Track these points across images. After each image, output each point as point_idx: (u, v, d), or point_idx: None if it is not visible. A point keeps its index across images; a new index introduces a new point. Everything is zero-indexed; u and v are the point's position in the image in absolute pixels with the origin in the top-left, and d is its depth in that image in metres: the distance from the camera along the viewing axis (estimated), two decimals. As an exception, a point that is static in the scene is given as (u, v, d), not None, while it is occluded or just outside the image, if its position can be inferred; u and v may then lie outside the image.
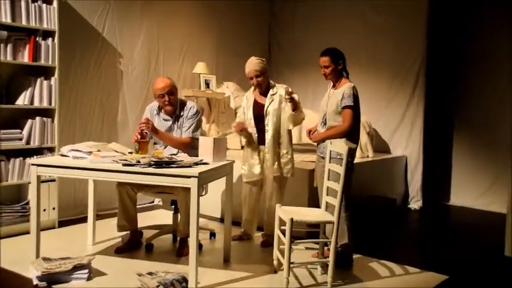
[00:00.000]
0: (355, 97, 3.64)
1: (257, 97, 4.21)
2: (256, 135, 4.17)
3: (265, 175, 4.17)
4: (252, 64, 4.09)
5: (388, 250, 4.30)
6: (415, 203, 6.10)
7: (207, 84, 5.92)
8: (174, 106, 3.96)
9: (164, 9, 5.67)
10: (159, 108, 4.05)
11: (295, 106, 3.92)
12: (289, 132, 4.17)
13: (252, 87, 4.25)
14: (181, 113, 4.00)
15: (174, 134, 3.99)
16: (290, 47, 7.11)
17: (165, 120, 4.02)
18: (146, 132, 3.80)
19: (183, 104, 4.05)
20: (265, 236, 4.27)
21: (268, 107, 4.09)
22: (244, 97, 4.37)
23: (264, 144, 4.13)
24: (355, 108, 3.62)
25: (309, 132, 3.86)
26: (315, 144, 3.91)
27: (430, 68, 6.07)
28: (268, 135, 4.09)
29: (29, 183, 3.94)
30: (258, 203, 4.31)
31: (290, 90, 3.91)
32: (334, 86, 3.77)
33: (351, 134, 3.66)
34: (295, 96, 3.88)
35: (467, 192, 6.24)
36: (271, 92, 4.13)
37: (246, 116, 4.22)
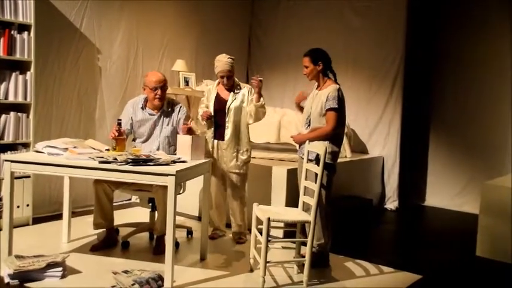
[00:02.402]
0: (340, 99, 3.61)
1: (220, 91, 4.23)
2: (213, 128, 4.20)
3: (223, 170, 4.19)
4: (224, 63, 4.08)
5: (363, 250, 4.35)
6: (391, 204, 6.18)
7: (186, 82, 5.88)
8: (163, 101, 3.95)
9: (143, 5, 5.61)
10: (145, 102, 4.01)
11: (259, 94, 3.96)
12: (248, 129, 4.20)
13: (216, 81, 4.28)
14: (169, 110, 3.99)
15: (157, 129, 3.98)
16: (270, 46, 7.13)
17: (150, 114, 3.99)
18: (124, 129, 3.76)
19: (171, 101, 4.05)
20: (236, 234, 4.29)
21: (230, 104, 4.13)
22: (207, 89, 4.35)
23: (220, 139, 4.16)
24: (339, 111, 3.60)
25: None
26: (296, 145, 3.92)
27: (408, 69, 6.15)
28: (228, 132, 4.13)
29: (2, 179, 3.86)
30: (225, 199, 4.32)
31: (259, 77, 3.95)
32: (318, 87, 3.76)
33: (335, 136, 3.64)
34: (261, 79, 3.94)
35: (442, 193, 6.35)
36: (235, 90, 4.16)
37: (209, 107, 4.23)
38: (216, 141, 4.20)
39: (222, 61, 4.09)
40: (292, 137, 3.86)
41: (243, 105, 4.14)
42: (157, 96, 3.90)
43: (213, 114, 4.18)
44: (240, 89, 4.20)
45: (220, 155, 4.20)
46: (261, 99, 4.02)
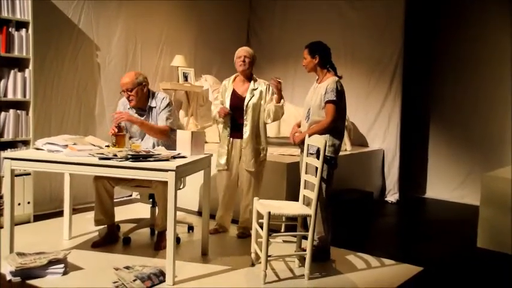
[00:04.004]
0: (339, 92, 3.62)
1: (236, 87, 4.17)
2: (230, 125, 4.16)
3: (236, 168, 4.18)
4: (243, 49, 4.18)
5: (364, 243, 4.36)
6: (392, 196, 6.18)
7: (186, 77, 5.88)
8: (134, 103, 3.88)
9: (142, 1, 5.60)
10: None
11: (280, 95, 3.93)
12: (265, 127, 4.18)
13: (232, 76, 4.22)
14: (154, 104, 3.95)
15: None
16: (269, 42, 7.11)
17: (137, 113, 3.97)
18: (123, 126, 3.76)
19: (154, 95, 3.99)
20: (241, 229, 4.29)
21: (249, 101, 4.07)
22: (222, 84, 4.31)
23: (236, 137, 4.13)
24: (338, 103, 3.61)
25: (294, 134, 3.86)
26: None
27: (407, 62, 6.14)
28: (247, 130, 4.08)
29: (3, 177, 3.86)
30: (234, 198, 4.31)
31: (278, 78, 3.91)
32: (318, 80, 3.77)
33: (335, 129, 3.65)
34: (280, 80, 3.90)
35: (442, 186, 6.35)
36: (252, 86, 4.11)
37: (224, 104, 4.17)
38: (231, 139, 4.16)
39: (243, 47, 4.22)
40: (293, 140, 3.83)
41: (260, 102, 4.09)
42: (126, 97, 3.90)
43: (229, 110, 4.10)
44: (257, 84, 4.14)
45: (235, 154, 4.16)
46: (282, 100, 3.98)
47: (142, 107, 3.95)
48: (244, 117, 4.08)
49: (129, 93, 3.85)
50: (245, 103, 4.08)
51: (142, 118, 3.93)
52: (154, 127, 3.87)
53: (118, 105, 4.11)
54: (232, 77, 4.24)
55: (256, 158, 4.12)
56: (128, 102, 3.91)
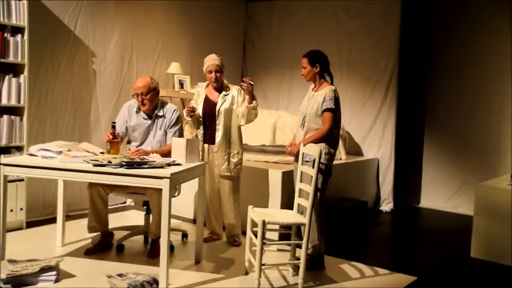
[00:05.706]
0: (337, 100, 3.65)
1: (209, 94, 4.17)
2: (202, 131, 4.16)
3: (217, 174, 4.17)
4: (213, 59, 4.08)
5: (358, 252, 4.35)
6: (386, 205, 6.18)
7: (181, 85, 5.88)
8: (147, 107, 3.92)
9: (138, 8, 5.60)
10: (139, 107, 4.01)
11: (252, 96, 3.93)
12: (240, 131, 4.18)
13: (205, 83, 4.22)
14: (161, 113, 3.97)
15: (151, 134, 3.98)
16: (265, 49, 7.13)
17: (144, 119, 3.98)
18: (118, 132, 3.75)
19: (162, 104, 4.02)
20: (231, 238, 4.28)
21: (220, 106, 4.08)
22: (196, 92, 4.31)
23: (211, 143, 4.13)
24: (335, 112, 3.63)
25: (289, 146, 3.86)
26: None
27: (402, 72, 6.17)
28: (219, 135, 4.08)
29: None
30: (219, 202, 4.29)
31: (250, 80, 3.89)
32: (314, 88, 3.79)
33: (331, 137, 3.66)
34: (251, 83, 3.88)
35: (436, 195, 6.36)
36: (224, 92, 4.12)
37: (197, 110, 4.16)
38: (206, 145, 4.16)
39: (211, 58, 4.09)
40: (289, 151, 3.83)
41: (233, 107, 4.10)
42: (139, 102, 3.91)
43: (195, 108, 4.08)
44: (229, 90, 4.15)
45: (211, 159, 4.16)
46: (254, 101, 3.98)
47: (149, 113, 3.96)
48: (217, 123, 4.09)
49: (144, 97, 3.88)
50: (217, 108, 4.08)
51: (147, 125, 3.96)
52: (166, 149, 3.83)
53: (122, 109, 4.10)
54: (205, 83, 4.23)
55: (229, 162, 4.12)
56: (141, 105, 3.92)
